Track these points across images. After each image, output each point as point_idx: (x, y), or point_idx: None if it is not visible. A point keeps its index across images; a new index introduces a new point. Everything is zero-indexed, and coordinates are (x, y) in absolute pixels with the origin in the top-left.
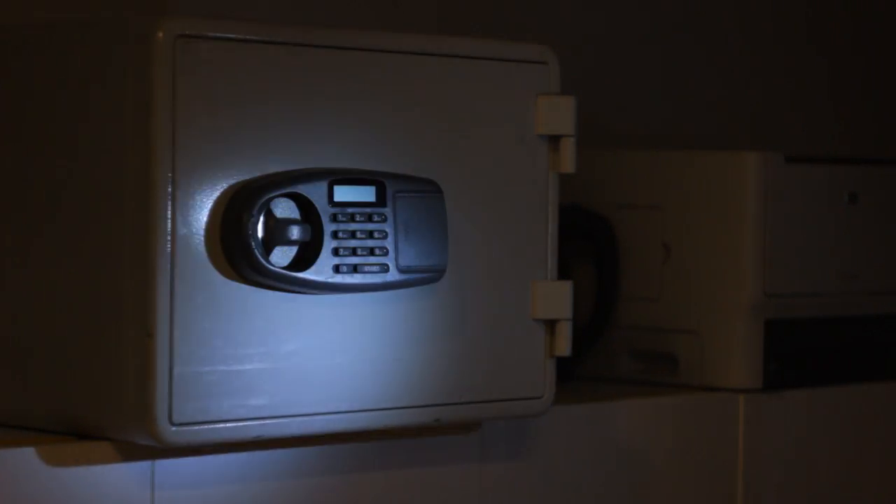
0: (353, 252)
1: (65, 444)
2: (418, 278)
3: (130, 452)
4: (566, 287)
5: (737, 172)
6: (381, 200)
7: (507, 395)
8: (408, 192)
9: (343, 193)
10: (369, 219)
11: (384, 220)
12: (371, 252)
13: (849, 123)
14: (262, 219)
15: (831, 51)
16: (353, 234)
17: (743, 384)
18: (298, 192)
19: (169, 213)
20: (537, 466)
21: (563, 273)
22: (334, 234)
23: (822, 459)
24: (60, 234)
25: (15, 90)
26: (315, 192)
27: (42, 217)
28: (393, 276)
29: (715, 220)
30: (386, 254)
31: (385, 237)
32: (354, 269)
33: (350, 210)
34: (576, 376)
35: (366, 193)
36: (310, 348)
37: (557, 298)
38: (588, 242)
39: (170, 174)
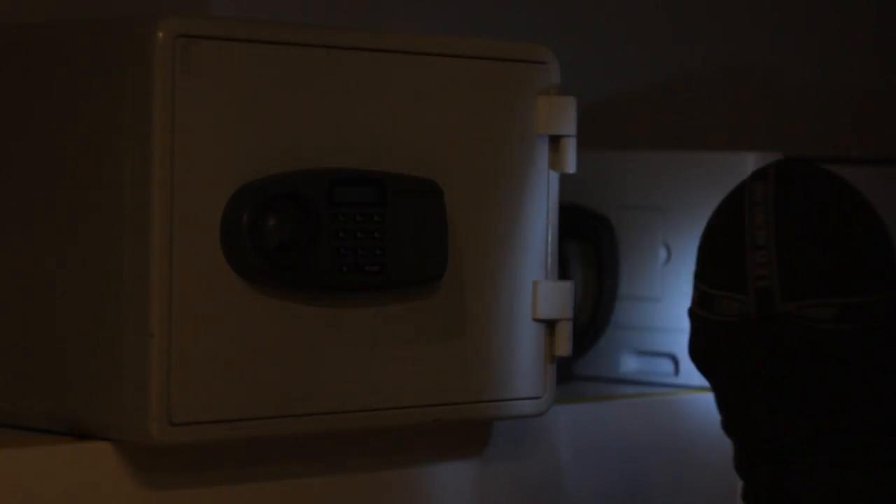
0: (354, 252)
1: (65, 444)
2: (418, 278)
3: (130, 452)
4: (566, 287)
5: (737, 172)
6: (381, 200)
7: (507, 395)
8: (408, 192)
9: (343, 193)
10: (369, 219)
11: (384, 220)
12: (371, 252)
13: (851, 123)
14: (262, 219)
15: (835, 50)
16: (353, 234)
17: None
18: (298, 192)
19: (169, 213)
20: (537, 466)
21: (563, 273)
22: (334, 234)
23: None
24: (60, 233)
25: (14, 90)
26: (315, 192)
27: (41, 216)
28: (393, 275)
29: None
30: (386, 254)
31: (385, 237)
32: (355, 268)
33: (350, 210)
34: (576, 376)
35: (366, 193)
36: (309, 348)
37: (557, 298)
38: (588, 242)
39: (169, 174)
